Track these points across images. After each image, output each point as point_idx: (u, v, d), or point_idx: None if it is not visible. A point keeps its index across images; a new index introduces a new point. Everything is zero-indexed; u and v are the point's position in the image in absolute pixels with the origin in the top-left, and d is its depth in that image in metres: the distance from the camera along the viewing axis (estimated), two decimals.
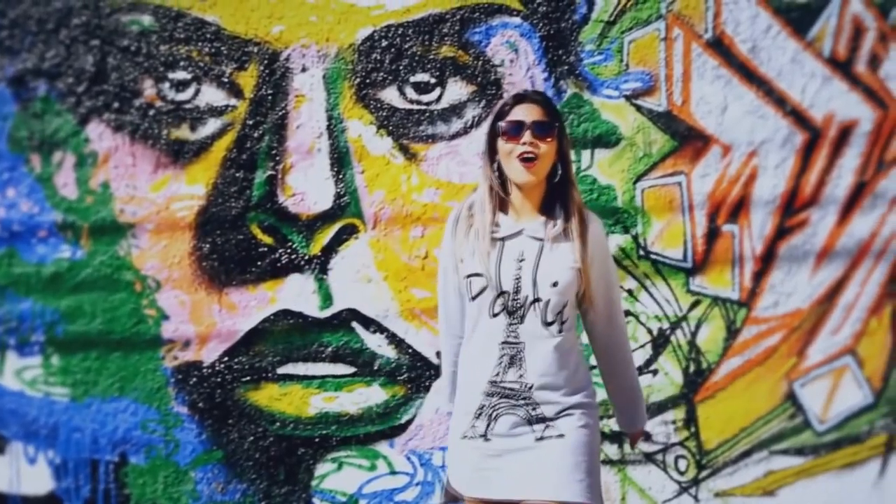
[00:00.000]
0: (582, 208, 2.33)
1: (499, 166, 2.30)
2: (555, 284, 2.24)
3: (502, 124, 2.28)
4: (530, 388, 2.26)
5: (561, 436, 2.26)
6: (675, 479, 3.38)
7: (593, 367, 2.49)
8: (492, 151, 2.32)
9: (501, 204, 2.33)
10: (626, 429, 2.55)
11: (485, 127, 2.45)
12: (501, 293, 2.25)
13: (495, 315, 2.26)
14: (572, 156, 3.14)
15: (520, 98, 2.33)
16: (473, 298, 2.28)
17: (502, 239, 2.28)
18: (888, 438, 3.45)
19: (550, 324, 2.27)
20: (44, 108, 3.15)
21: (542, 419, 2.27)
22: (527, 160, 2.25)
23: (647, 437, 3.36)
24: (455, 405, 2.41)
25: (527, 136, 2.25)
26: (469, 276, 2.28)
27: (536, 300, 2.25)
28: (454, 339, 2.43)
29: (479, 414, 2.29)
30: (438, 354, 2.95)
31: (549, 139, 2.27)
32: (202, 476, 3.26)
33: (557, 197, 2.32)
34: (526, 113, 2.28)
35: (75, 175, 3.17)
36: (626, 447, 3.34)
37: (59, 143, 3.16)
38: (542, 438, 2.26)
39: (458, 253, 2.32)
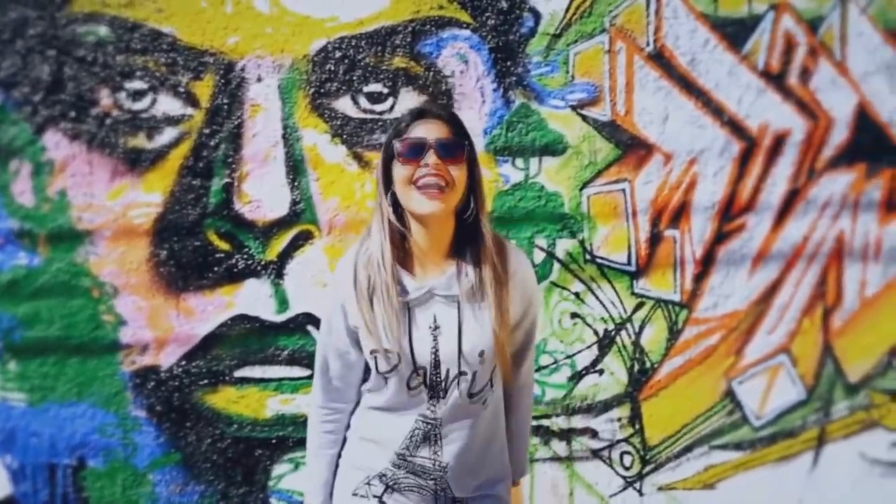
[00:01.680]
0: (500, 247, 1.89)
1: (395, 199, 1.82)
2: (481, 354, 1.84)
3: (398, 144, 1.81)
4: (444, 468, 1.90)
5: None
6: (620, 475, 3.45)
7: None
8: (387, 181, 1.85)
9: (402, 253, 1.86)
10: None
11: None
12: (419, 368, 1.84)
13: (412, 389, 1.86)
14: (516, 165, 3.14)
15: (420, 113, 1.86)
16: (383, 374, 1.86)
17: (408, 304, 1.83)
18: (819, 432, 3.56)
19: (477, 395, 1.88)
20: (0, 117, 3.14)
21: (451, 499, 1.92)
22: (431, 187, 1.78)
23: (594, 434, 3.43)
24: (347, 455, 1.99)
25: (430, 157, 1.78)
26: (374, 351, 1.84)
27: (461, 373, 1.84)
28: (330, 412, 1.96)
29: (381, 477, 1.92)
30: None
31: (458, 162, 1.81)
32: (160, 478, 3.27)
33: (468, 237, 1.86)
34: (428, 130, 1.82)
35: (32, 183, 3.16)
36: (575, 444, 3.41)
37: (15, 152, 3.15)
38: None
39: (357, 321, 1.86)
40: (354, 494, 1.93)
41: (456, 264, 1.86)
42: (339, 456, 2.01)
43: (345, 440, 2.03)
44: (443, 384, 1.85)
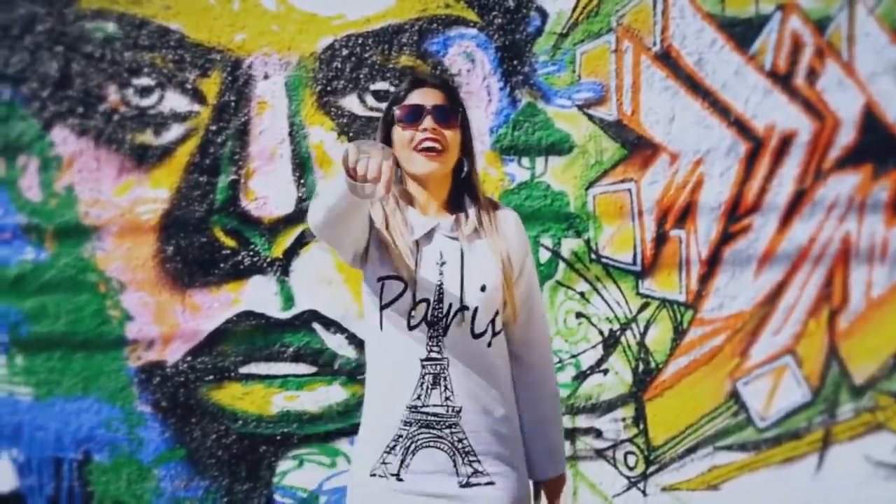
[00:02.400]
0: (493, 201, 2.07)
1: (395, 162, 1.86)
2: (483, 289, 1.92)
3: (397, 110, 1.95)
4: (458, 411, 1.92)
5: (491, 483, 1.93)
6: (624, 475, 3.45)
7: None
8: (387, 144, 1.96)
9: (404, 196, 1.99)
10: (537, 475, 2.09)
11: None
12: (420, 301, 1.90)
13: (412, 328, 1.91)
14: (522, 164, 3.18)
15: (417, 82, 2.01)
16: (384, 307, 1.91)
17: (416, 241, 1.94)
18: (825, 434, 3.55)
19: (479, 335, 1.93)
20: (8, 112, 3.15)
21: (468, 452, 1.92)
22: (429, 150, 1.91)
23: (599, 433, 3.43)
24: (361, 433, 2.02)
25: (427, 121, 1.92)
26: (383, 278, 1.91)
27: (463, 308, 1.91)
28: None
29: (394, 446, 1.93)
30: None
31: (452, 126, 1.94)
32: (165, 473, 3.27)
33: (464, 193, 2.00)
34: (425, 97, 1.96)
35: (40, 178, 3.17)
36: (579, 444, 3.41)
37: (23, 148, 3.17)
38: (467, 485, 1.91)
39: (380, 224, 1.94)
40: (372, 475, 1.95)
41: (455, 214, 1.99)
42: None
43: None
44: (444, 320, 1.91)
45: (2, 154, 3.17)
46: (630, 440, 3.44)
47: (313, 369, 3.28)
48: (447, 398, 1.92)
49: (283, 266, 3.25)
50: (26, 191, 3.18)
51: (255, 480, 3.31)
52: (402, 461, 1.92)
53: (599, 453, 3.43)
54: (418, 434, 1.92)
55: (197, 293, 3.24)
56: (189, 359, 3.25)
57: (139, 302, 3.22)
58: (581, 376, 3.40)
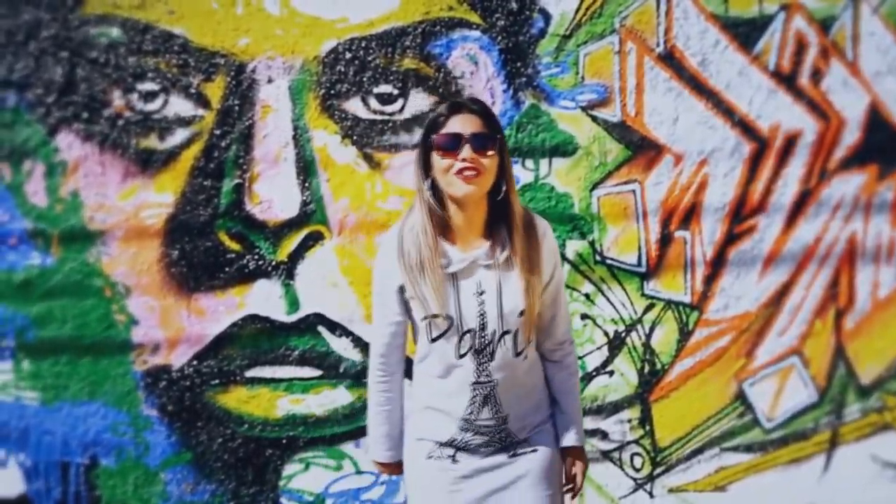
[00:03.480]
0: (528, 219, 2.13)
1: (433, 184, 2.06)
2: (521, 314, 2.06)
3: (437, 138, 2.04)
4: (505, 419, 2.13)
5: (534, 451, 2.16)
6: (630, 476, 3.45)
7: None
8: (426, 168, 2.07)
9: (442, 230, 2.08)
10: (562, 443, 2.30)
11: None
12: (466, 332, 2.05)
13: (462, 356, 2.08)
14: (526, 166, 3.19)
15: (456, 108, 2.06)
16: (433, 340, 2.08)
17: (454, 274, 2.06)
18: (832, 435, 3.55)
19: (520, 353, 2.11)
20: (14, 118, 3.17)
21: (515, 442, 2.16)
22: (467, 171, 2.00)
23: (605, 435, 3.43)
24: (413, 424, 2.22)
25: (465, 150, 2.00)
26: (427, 317, 2.06)
27: (505, 333, 2.06)
28: (384, 374, 2.20)
29: (450, 443, 2.15)
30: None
31: (490, 153, 2.03)
32: (172, 477, 3.29)
33: (501, 216, 2.09)
34: (463, 124, 2.03)
35: (45, 184, 3.18)
36: (585, 445, 3.40)
37: (28, 153, 3.18)
38: (515, 455, 2.15)
39: (409, 289, 2.06)
40: (430, 457, 2.15)
41: (492, 238, 2.09)
42: (399, 415, 2.25)
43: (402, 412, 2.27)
44: (489, 346, 2.06)
45: (7, 159, 3.18)
46: (636, 441, 3.44)
47: (319, 372, 3.29)
48: (497, 412, 2.12)
49: (287, 269, 3.26)
50: (32, 196, 3.19)
51: (262, 484, 3.32)
52: (456, 451, 2.14)
53: (605, 455, 3.44)
54: (472, 440, 2.14)
55: (202, 297, 3.25)
56: (195, 363, 3.26)
57: (145, 306, 3.23)
58: (587, 378, 3.40)
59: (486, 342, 2.07)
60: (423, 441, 2.18)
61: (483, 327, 2.05)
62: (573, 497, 2.32)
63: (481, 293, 2.06)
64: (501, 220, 2.10)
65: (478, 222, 2.09)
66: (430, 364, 2.15)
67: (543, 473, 2.17)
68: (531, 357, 2.17)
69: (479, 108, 2.09)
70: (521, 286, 2.05)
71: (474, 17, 3.26)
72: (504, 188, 2.08)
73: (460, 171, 2.01)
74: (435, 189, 2.07)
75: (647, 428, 3.44)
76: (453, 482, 2.14)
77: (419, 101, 3.24)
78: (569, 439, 2.28)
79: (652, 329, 3.42)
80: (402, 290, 2.11)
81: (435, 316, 2.04)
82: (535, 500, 2.14)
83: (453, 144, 2.02)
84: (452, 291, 2.05)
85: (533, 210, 3.27)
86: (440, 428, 2.16)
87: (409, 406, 2.27)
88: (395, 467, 2.30)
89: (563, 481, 2.30)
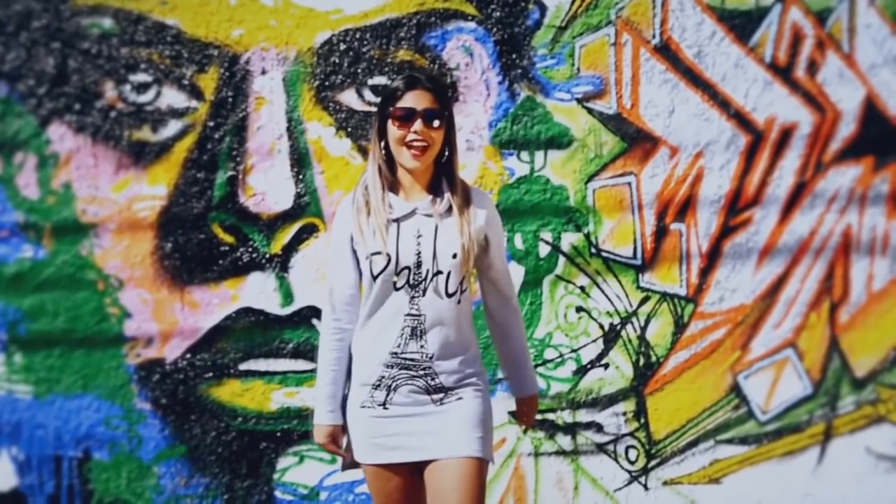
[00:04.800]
0: (465, 185, 2.39)
1: (387, 146, 2.33)
2: (454, 256, 2.30)
3: (393, 110, 2.29)
4: (431, 357, 2.31)
5: (460, 399, 2.32)
6: (625, 469, 3.45)
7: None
8: (381, 131, 2.34)
9: (391, 183, 2.37)
10: (516, 393, 2.56)
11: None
12: (403, 268, 2.29)
13: (398, 289, 2.30)
14: (521, 158, 3.24)
15: (412, 83, 2.32)
16: (375, 277, 2.30)
17: (397, 220, 2.32)
18: (826, 427, 3.56)
19: (451, 294, 2.32)
20: (5, 109, 3.15)
21: (440, 389, 2.32)
22: (416, 147, 2.27)
23: (600, 428, 3.44)
24: (353, 378, 2.40)
25: (417, 124, 2.27)
26: (371, 254, 2.30)
27: (438, 273, 2.30)
28: (337, 331, 2.39)
29: (378, 385, 2.32)
30: None
31: (437, 126, 2.29)
32: (165, 471, 3.28)
33: (444, 175, 2.37)
34: (417, 100, 2.28)
35: (37, 176, 3.17)
36: (580, 438, 3.41)
37: (20, 145, 3.16)
38: (442, 403, 2.31)
39: (356, 234, 2.33)
40: (363, 406, 2.33)
41: (433, 193, 2.36)
42: (347, 375, 2.42)
43: (350, 363, 2.44)
44: (423, 283, 2.31)
45: None
46: (631, 434, 3.44)
47: (313, 365, 3.23)
48: (422, 346, 2.32)
49: (281, 262, 3.25)
50: (24, 188, 3.18)
51: (256, 477, 3.32)
52: (387, 396, 2.32)
53: (600, 448, 3.44)
54: (398, 375, 2.32)
55: (195, 290, 3.24)
56: (188, 356, 3.25)
57: (138, 299, 3.22)
58: (581, 371, 3.40)
59: (420, 279, 2.30)
60: (358, 389, 2.36)
61: (419, 266, 2.30)
62: (524, 432, 2.75)
63: (419, 236, 2.32)
64: (444, 180, 2.37)
65: (423, 181, 2.37)
66: (369, 304, 2.34)
67: (473, 418, 2.33)
68: (463, 305, 2.36)
69: (433, 86, 2.35)
70: (454, 232, 2.31)
71: (469, 9, 3.25)
72: (446, 153, 2.36)
73: (410, 144, 2.28)
74: (387, 152, 2.35)
75: (642, 421, 3.44)
76: (382, 426, 2.31)
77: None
78: (524, 388, 2.54)
79: (647, 322, 3.42)
80: (352, 240, 2.36)
81: (376, 253, 2.29)
82: (466, 441, 2.29)
83: (407, 117, 2.28)
84: (394, 233, 2.31)
85: (528, 202, 3.33)
86: (371, 367, 2.33)
87: (353, 365, 2.42)
88: (333, 439, 2.42)
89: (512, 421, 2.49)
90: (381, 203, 2.33)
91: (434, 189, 2.37)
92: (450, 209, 2.33)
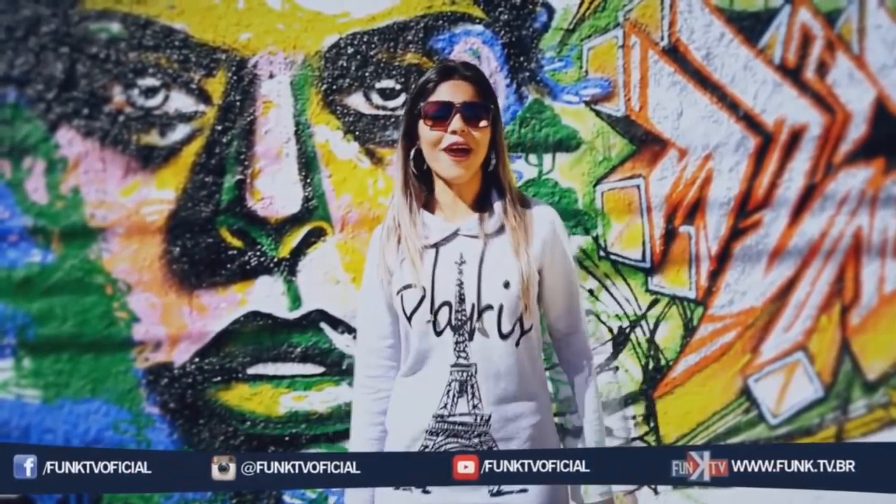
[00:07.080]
0: (521, 196, 1.98)
1: (419, 154, 1.89)
2: (506, 285, 1.84)
3: (425, 106, 1.87)
4: (487, 420, 1.83)
5: (523, 490, 1.83)
6: None
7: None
8: (411, 137, 1.91)
9: (426, 201, 1.94)
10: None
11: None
12: (443, 304, 1.84)
13: (439, 333, 1.85)
14: (529, 161, 3.19)
15: (447, 73, 1.90)
16: (410, 317, 1.86)
17: (435, 245, 1.88)
18: (837, 431, 3.54)
19: (506, 336, 1.85)
20: (13, 114, 3.15)
21: (494, 453, 1.81)
22: (457, 151, 1.84)
23: (609, 432, 3.41)
24: (387, 448, 1.95)
25: (456, 121, 1.84)
26: (402, 288, 1.87)
27: (486, 308, 1.83)
28: (371, 392, 1.95)
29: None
30: None
31: (482, 124, 1.86)
32: None
33: (492, 186, 1.93)
34: (454, 92, 1.86)
35: (45, 180, 3.17)
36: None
37: (28, 149, 3.16)
38: (498, 493, 1.81)
39: (389, 266, 1.90)
40: (397, 487, 1.86)
41: (480, 209, 1.90)
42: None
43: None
44: (468, 323, 1.81)
45: (7, 156, 3.17)
46: (641, 438, 3.43)
47: (321, 369, 3.28)
48: (474, 406, 1.82)
49: (289, 266, 3.25)
50: (32, 193, 3.18)
51: None
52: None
53: None
54: (445, 444, 1.82)
55: (204, 294, 3.24)
56: (196, 360, 3.26)
57: (146, 303, 3.22)
58: None
59: (465, 318, 1.83)
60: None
61: (461, 300, 1.82)
62: None
63: (461, 263, 1.85)
64: (494, 192, 1.92)
65: (468, 196, 1.92)
66: (409, 360, 1.90)
67: None
68: (524, 349, 1.87)
69: (472, 74, 1.92)
70: (507, 255, 1.84)
71: (477, 12, 3.25)
72: (494, 160, 1.90)
73: (449, 148, 1.84)
74: (419, 159, 1.90)
75: (652, 424, 3.43)
76: None
77: None
78: (591, 495, 2.02)
79: (656, 325, 3.41)
80: (382, 278, 1.94)
81: (407, 287, 1.84)
82: None
83: (443, 114, 1.84)
84: (430, 261, 1.85)
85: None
86: (410, 435, 1.85)
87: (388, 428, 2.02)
88: None
89: None
90: (412, 225, 1.88)
91: (481, 205, 1.91)
92: (501, 228, 1.88)
